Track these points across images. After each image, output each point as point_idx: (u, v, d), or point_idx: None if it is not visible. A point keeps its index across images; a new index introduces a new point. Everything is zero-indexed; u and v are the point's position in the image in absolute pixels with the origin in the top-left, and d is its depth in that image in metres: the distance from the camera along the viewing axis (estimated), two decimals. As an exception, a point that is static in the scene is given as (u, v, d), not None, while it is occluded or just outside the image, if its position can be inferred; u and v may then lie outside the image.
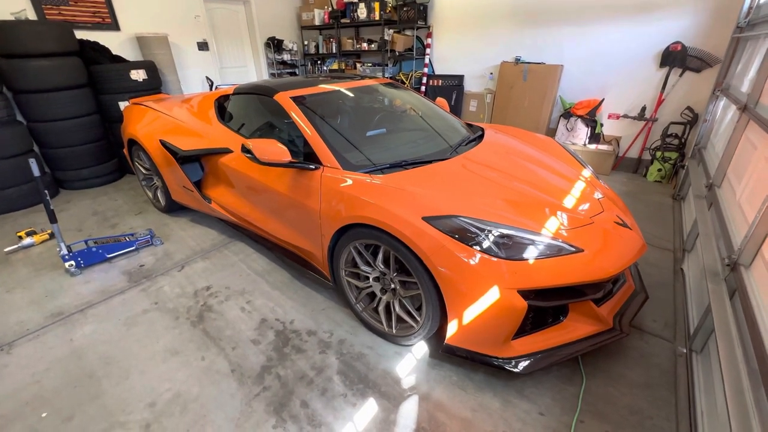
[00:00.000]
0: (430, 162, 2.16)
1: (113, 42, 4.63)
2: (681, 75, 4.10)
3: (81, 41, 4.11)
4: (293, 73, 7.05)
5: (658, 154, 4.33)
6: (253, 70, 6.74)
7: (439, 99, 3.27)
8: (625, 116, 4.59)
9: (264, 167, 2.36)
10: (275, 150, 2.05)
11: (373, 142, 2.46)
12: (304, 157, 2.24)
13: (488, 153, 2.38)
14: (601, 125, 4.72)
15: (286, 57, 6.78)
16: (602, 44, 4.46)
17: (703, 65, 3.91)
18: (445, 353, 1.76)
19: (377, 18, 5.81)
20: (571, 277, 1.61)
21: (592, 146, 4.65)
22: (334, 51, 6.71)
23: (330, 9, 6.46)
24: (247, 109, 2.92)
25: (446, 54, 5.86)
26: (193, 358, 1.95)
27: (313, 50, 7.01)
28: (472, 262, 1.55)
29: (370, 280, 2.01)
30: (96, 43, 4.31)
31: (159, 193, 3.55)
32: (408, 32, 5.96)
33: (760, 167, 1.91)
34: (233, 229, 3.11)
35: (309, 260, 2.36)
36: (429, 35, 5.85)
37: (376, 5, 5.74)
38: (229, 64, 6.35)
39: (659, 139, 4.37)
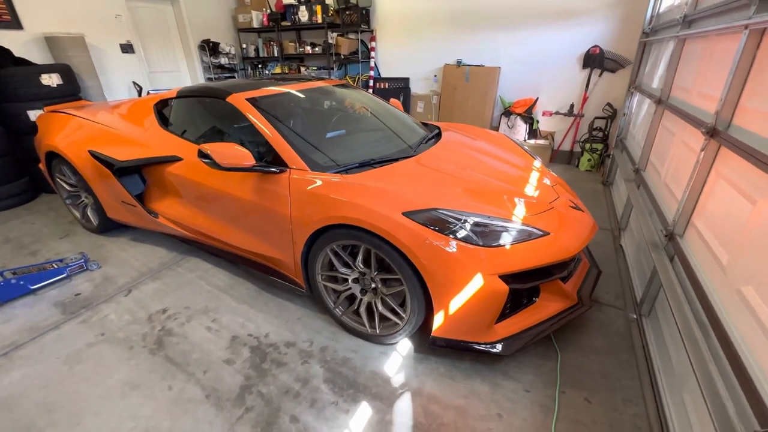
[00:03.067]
0: (396, 160, 2.18)
1: (14, 42, 4.01)
2: (600, 75, 4.62)
3: (-28, 41, 3.51)
4: (232, 77, 6.69)
5: (587, 146, 4.82)
6: (187, 74, 6.27)
7: (392, 100, 3.32)
8: (557, 113, 5.05)
9: (221, 174, 2.20)
10: (236, 153, 1.92)
11: (334, 143, 2.42)
12: (264, 161, 2.13)
13: (449, 150, 2.46)
14: (537, 122, 5.14)
15: (223, 60, 6.41)
16: (533, 47, 4.87)
17: (617, 66, 4.45)
18: (432, 346, 1.78)
19: (320, 21, 5.75)
20: (543, 258, 1.72)
21: (531, 141, 5.04)
22: (275, 54, 6.50)
23: (268, 11, 6.25)
24: (193, 113, 2.71)
25: (391, 57, 5.98)
26: (157, 389, 1.74)
27: (252, 54, 6.72)
28: (455, 252, 1.59)
29: (349, 282, 1.96)
30: (-8, 44, 3.71)
31: (89, 212, 3.14)
32: (352, 36, 5.97)
33: (680, 150, 2.21)
34: (185, 245, 2.86)
35: (278, 269, 2.24)
36: (373, 39, 5.93)
37: (318, 8, 5.67)
38: (159, 68, 5.83)
39: (587, 132, 4.88)
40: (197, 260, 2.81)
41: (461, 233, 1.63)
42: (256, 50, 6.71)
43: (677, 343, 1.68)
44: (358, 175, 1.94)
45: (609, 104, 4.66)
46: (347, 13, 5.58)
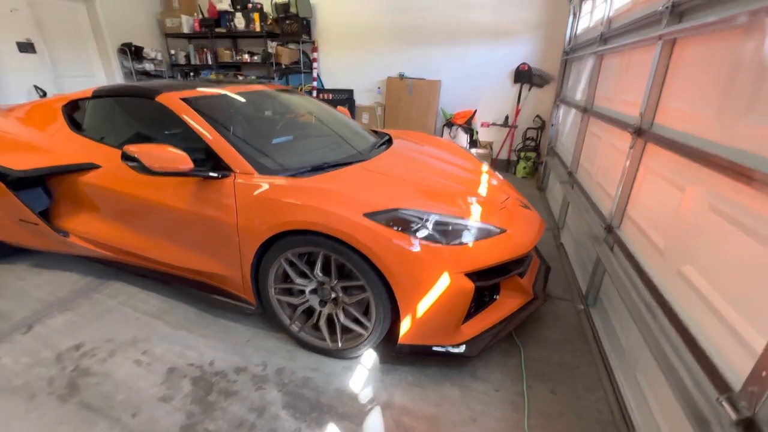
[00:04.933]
0: (350, 164, 2.09)
1: None
2: (530, 90, 5.04)
3: None
4: (159, 86, 6.14)
5: (522, 154, 5.19)
6: (104, 79, 5.61)
7: (340, 107, 3.26)
8: (494, 124, 5.39)
9: (151, 181, 1.93)
10: (170, 156, 1.69)
11: (282, 149, 2.27)
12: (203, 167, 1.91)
13: (401, 155, 2.45)
14: (477, 132, 5.44)
15: (148, 66, 5.87)
16: (470, 62, 5.18)
17: (544, 81, 4.89)
18: (399, 354, 1.69)
19: (258, 30, 5.54)
20: (503, 254, 1.74)
21: (473, 150, 5.29)
22: (209, 62, 6.11)
23: (200, 17, 5.89)
24: (114, 116, 2.38)
25: (334, 68, 5.95)
26: (70, 443, 1.41)
27: (183, 60, 6.25)
28: (419, 252, 1.53)
29: (307, 293, 1.81)
30: None
31: (-27, 235, 2.56)
32: (293, 46, 5.85)
33: (608, 151, 2.44)
34: (105, 267, 2.45)
35: (223, 286, 2.00)
36: (314, 50, 5.86)
37: (256, 16, 5.48)
38: (68, 71, 5.14)
39: (521, 142, 5.26)
40: (120, 284, 2.42)
41: (423, 232, 1.59)
42: (187, 57, 6.26)
43: (625, 327, 1.79)
44: (311, 179, 1.82)
45: (538, 116, 5.09)
46: (287, 22, 5.46)
